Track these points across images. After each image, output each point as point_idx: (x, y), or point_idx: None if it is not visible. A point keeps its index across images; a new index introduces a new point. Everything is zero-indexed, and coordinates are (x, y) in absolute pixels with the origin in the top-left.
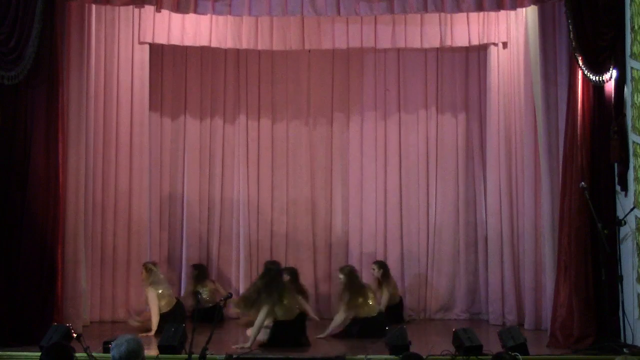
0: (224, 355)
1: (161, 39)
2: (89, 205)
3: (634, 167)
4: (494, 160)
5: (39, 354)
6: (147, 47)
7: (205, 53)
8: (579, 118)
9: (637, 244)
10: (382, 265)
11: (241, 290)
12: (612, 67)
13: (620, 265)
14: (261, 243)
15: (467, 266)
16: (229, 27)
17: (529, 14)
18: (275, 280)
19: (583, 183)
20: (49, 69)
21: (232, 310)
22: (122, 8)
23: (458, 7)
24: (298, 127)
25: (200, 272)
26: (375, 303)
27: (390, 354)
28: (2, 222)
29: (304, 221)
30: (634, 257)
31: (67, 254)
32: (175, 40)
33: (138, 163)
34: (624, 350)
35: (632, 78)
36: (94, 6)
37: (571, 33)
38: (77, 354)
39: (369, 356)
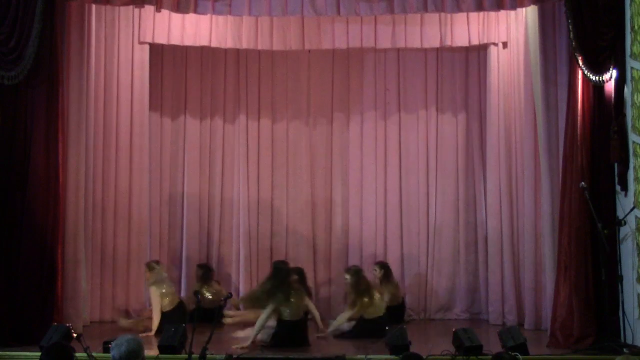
0: (224, 355)
1: (161, 39)
2: (89, 205)
3: (634, 167)
4: (494, 160)
5: (39, 354)
6: (147, 47)
7: (205, 53)
8: (579, 118)
9: (637, 244)
10: (384, 266)
11: (241, 290)
12: (612, 67)
13: (620, 265)
14: (261, 243)
15: (467, 266)
16: (229, 27)
17: (529, 14)
18: (284, 280)
19: (583, 183)
20: (49, 69)
21: (227, 314)
22: (122, 8)
23: (458, 7)
24: (298, 127)
25: (205, 272)
26: (382, 303)
27: (390, 354)
28: (2, 222)
29: (304, 221)
30: (634, 257)
31: (67, 254)
32: (175, 40)
33: (138, 163)
34: (624, 350)
35: (632, 78)
36: (94, 6)
37: (571, 33)
38: (77, 354)
39: (369, 356)
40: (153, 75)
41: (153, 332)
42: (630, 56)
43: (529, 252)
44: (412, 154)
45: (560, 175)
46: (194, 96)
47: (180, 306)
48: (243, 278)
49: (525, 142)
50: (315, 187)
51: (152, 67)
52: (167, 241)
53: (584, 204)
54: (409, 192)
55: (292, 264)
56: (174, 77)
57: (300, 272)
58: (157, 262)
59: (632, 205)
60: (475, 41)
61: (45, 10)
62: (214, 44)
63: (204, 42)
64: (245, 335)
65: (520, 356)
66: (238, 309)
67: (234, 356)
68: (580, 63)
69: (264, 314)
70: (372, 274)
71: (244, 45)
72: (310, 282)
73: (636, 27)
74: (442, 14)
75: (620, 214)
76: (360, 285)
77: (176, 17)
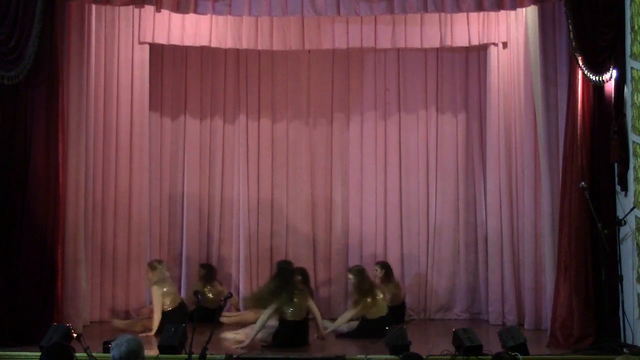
0: (224, 355)
1: (161, 39)
2: (89, 205)
3: (634, 167)
4: (494, 160)
5: (39, 354)
6: (147, 47)
7: (205, 53)
8: (579, 118)
9: (637, 244)
10: (385, 266)
11: (241, 290)
12: (612, 67)
13: (620, 265)
14: (261, 243)
15: (467, 266)
16: (229, 27)
17: (529, 14)
18: (289, 280)
19: (583, 183)
20: (49, 69)
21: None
22: (122, 8)
23: (458, 7)
24: (298, 127)
25: (208, 272)
26: (384, 303)
27: (390, 354)
28: (2, 222)
29: (304, 221)
30: (634, 257)
31: (67, 254)
32: (175, 40)
33: (138, 163)
34: (624, 350)
35: (632, 78)
36: (94, 6)
37: (571, 33)
38: (77, 354)
39: (369, 356)
40: (153, 75)
41: (153, 332)
42: (630, 56)
43: (529, 252)
44: (412, 154)
45: (560, 175)
46: (194, 96)
47: (181, 306)
48: (243, 278)
49: (525, 142)
50: (315, 187)
51: (152, 67)
52: (167, 241)
53: (584, 204)
54: (409, 192)
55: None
56: (174, 77)
57: (303, 272)
58: (160, 262)
59: (632, 205)
60: (475, 41)
61: (45, 10)
62: (214, 44)
63: (204, 42)
64: (234, 337)
65: (520, 356)
66: (238, 309)
67: (234, 356)
68: (580, 63)
69: (264, 314)
70: (373, 274)
71: (244, 45)
72: (310, 282)
73: (636, 27)
74: (442, 14)
75: (620, 214)
76: (363, 285)
77: (176, 17)
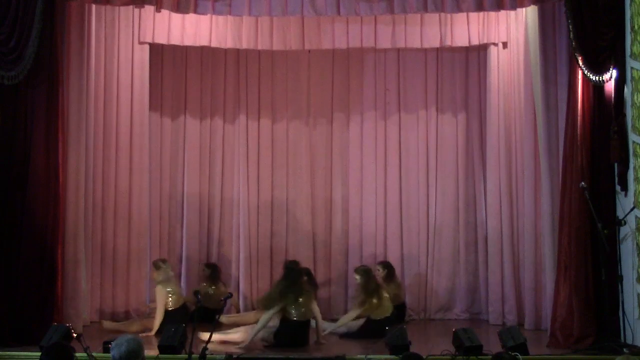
0: (224, 355)
1: (161, 39)
2: (89, 205)
3: (634, 167)
4: (494, 160)
5: (39, 354)
6: (147, 47)
7: (205, 53)
8: (579, 118)
9: (637, 244)
10: (387, 266)
11: (241, 290)
12: (612, 67)
13: (620, 265)
14: (261, 243)
15: (467, 266)
16: (229, 27)
17: (529, 14)
18: (297, 280)
19: (583, 183)
20: (49, 69)
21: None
22: (122, 8)
23: (458, 7)
24: (298, 127)
25: (213, 272)
26: (389, 303)
27: (390, 354)
28: (2, 222)
29: (304, 221)
30: (634, 257)
31: (67, 254)
32: (175, 40)
33: (138, 163)
34: (624, 350)
35: (632, 78)
36: (94, 6)
37: (571, 33)
38: (77, 354)
39: (369, 356)
40: (153, 75)
41: (154, 332)
42: (630, 56)
43: (529, 252)
44: (412, 154)
45: (560, 175)
46: (194, 96)
47: (183, 306)
48: (243, 278)
49: (525, 142)
50: (315, 187)
51: (152, 67)
52: (167, 241)
53: (584, 204)
54: (409, 192)
55: None
56: (174, 77)
57: (308, 272)
58: (164, 261)
59: (632, 205)
60: (475, 41)
61: (45, 10)
62: (214, 44)
63: (204, 42)
64: (225, 338)
65: (520, 356)
66: (238, 309)
67: (234, 356)
68: (580, 63)
69: (267, 313)
70: (375, 274)
71: (244, 45)
72: (315, 282)
73: (636, 27)
74: (442, 14)
75: (620, 214)
76: (370, 286)
77: (176, 17)
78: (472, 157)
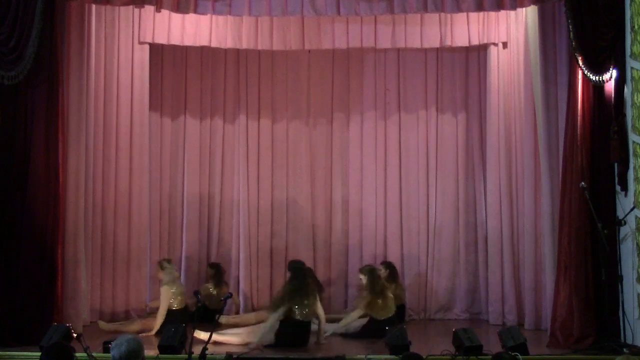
0: (224, 355)
1: (161, 39)
2: (89, 205)
3: (634, 167)
4: (494, 160)
5: (39, 354)
6: (147, 47)
7: (205, 53)
8: (579, 118)
9: (637, 244)
10: (389, 266)
11: (241, 290)
12: (612, 67)
13: (620, 265)
14: (261, 243)
15: (467, 266)
16: (229, 27)
17: (529, 14)
18: (304, 280)
19: (583, 183)
20: (49, 69)
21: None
22: (122, 8)
23: (458, 7)
24: (298, 127)
25: (217, 272)
26: (393, 303)
27: (390, 354)
28: (2, 222)
29: (303, 221)
30: (634, 257)
31: (67, 254)
32: (175, 40)
33: (138, 163)
34: (624, 350)
35: (632, 78)
36: (94, 6)
37: (571, 33)
38: (77, 354)
39: (369, 356)
40: (153, 75)
41: (154, 332)
42: (630, 56)
43: (529, 252)
44: (412, 154)
45: (560, 175)
46: (194, 96)
47: (186, 307)
48: (243, 278)
49: (525, 142)
50: (315, 187)
51: (152, 67)
52: (167, 241)
53: (584, 204)
54: (409, 192)
55: None
56: (174, 77)
57: (311, 273)
58: (169, 261)
59: (632, 205)
60: (475, 41)
61: (45, 10)
62: (214, 44)
63: (204, 42)
64: (218, 339)
65: (520, 356)
66: (238, 309)
67: (234, 356)
68: (580, 63)
69: (276, 313)
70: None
71: (244, 45)
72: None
73: (636, 27)
74: (442, 14)
75: (620, 214)
76: (375, 286)
77: (176, 17)
78: (472, 157)
